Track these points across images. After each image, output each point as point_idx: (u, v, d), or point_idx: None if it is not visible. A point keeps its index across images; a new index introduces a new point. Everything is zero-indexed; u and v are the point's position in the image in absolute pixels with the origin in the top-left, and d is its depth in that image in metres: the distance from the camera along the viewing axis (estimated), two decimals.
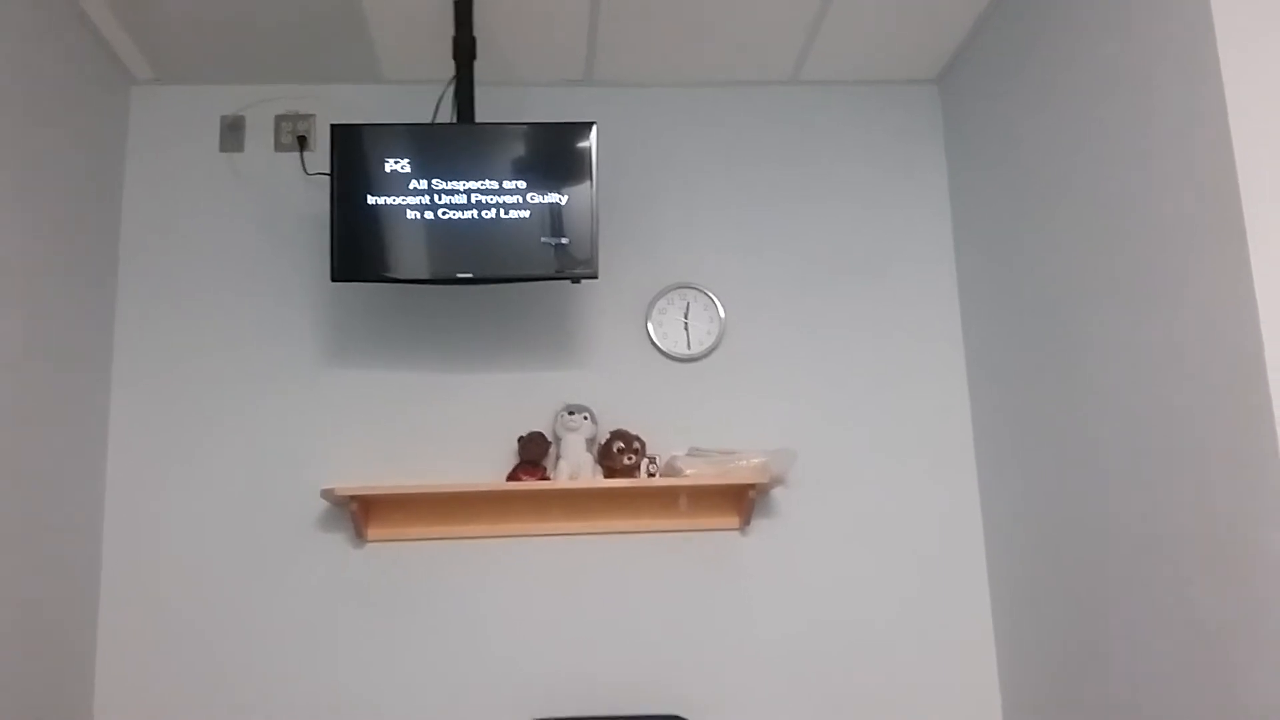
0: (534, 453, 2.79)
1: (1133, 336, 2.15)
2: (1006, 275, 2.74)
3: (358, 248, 2.59)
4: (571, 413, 2.80)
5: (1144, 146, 2.09)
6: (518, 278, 2.63)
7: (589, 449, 2.79)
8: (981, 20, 2.81)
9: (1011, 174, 2.70)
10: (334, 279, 2.58)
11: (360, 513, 2.74)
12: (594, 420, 2.81)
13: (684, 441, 2.86)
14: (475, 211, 2.59)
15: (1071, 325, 2.40)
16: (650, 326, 2.96)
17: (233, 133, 3.00)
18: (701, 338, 2.96)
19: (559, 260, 2.61)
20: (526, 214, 2.60)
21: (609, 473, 2.78)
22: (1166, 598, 2.05)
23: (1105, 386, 2.26)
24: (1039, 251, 2.56)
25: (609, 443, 2.79)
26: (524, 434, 2.82)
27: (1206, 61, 1.88)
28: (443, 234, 2.59)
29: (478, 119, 2.73)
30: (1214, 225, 1.87)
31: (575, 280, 2.65)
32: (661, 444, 2.86)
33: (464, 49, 2.70)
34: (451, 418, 2.88)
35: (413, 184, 2.59)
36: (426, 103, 2.85)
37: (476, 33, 2.73)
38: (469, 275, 2.59)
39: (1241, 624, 1.83)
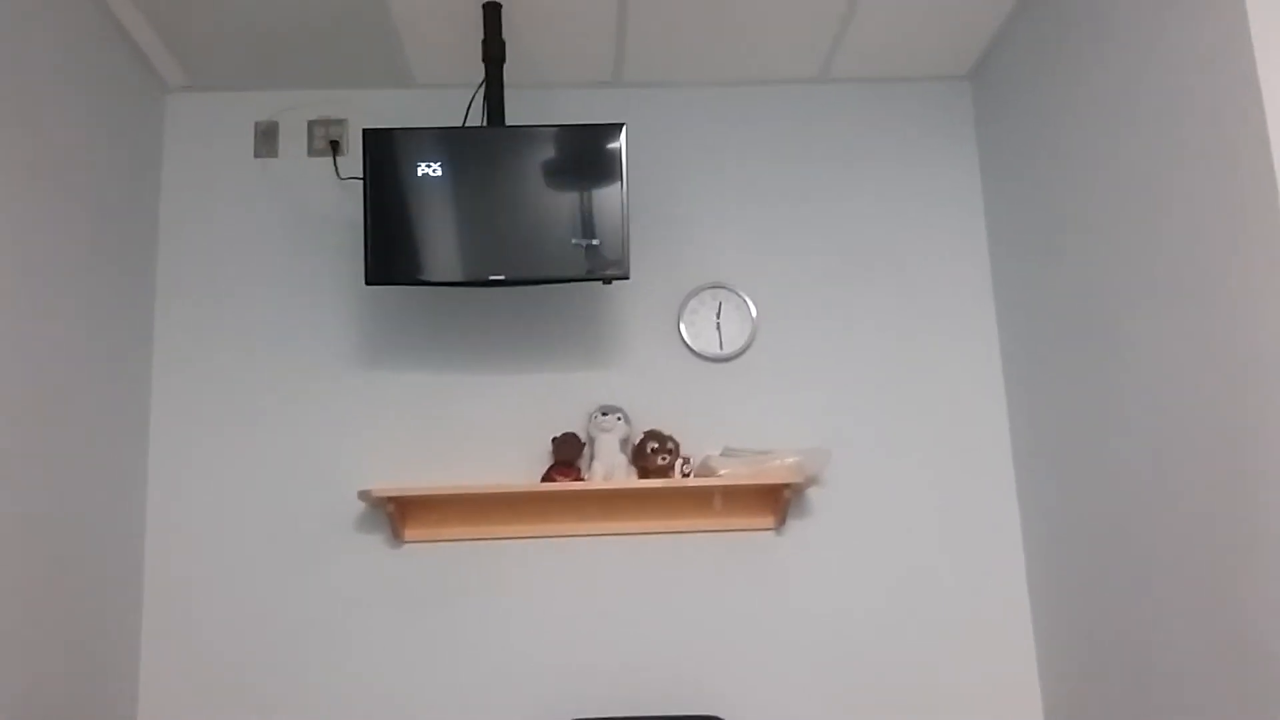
0: (568, 453, 2.80)
1: (1170, 333, 2.12)
2: (1041, 272, 2.72)
3: (391, 251, 2.60)
4: (605, 413, 2.80)
5: (1180, 140, 2.07)
6: (549, 279, 2.63)
7: (623, 449, 2.80)
8: (1013, 14, 2.79)
9: (1045, 170, 2.68)
10: (368, 282, 2.60)
11: (397, 514, 2.76)
12: (627, 421, 2.82)
13: (718, 441, 2.86)
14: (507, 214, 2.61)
15: (1108, 322, 2.38)
16: (682, 326, 2.96)
17: (266, 138, 3.03)
18: (734, 337, 2.96)
19: (590, 261, 2.61)
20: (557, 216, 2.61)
21: (643, 473, 2.78)
22: (1207, 596, 2.03)
23: (1142, 383, 2.24)
24: (1074, 248, 2.54)
25: (643, 443, 2.79)
26: (558, 435, 2.83)
27: (1242, 53, 1.86)
28: (475, 237, 2.60)
29: (508, 122, 2.74)
30: (1253, 221, 1.85)
31: (607, 281, 2.65)
32: (695, 444, 2.86)
33: (493, 53, 2.71)
34: (485, 419, 2.90)
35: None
36: (457, 106, 2.86)
37: (505, 36, 2.74)
38: (501, 277, 2.60)
39: None
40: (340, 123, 3.03)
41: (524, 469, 2.86)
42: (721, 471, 2.72)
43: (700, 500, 2.85)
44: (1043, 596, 2.77)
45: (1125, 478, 2.33)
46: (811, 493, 2.88)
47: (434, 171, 2.61)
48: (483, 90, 2.73)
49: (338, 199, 2.99)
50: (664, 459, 2.77)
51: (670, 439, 2.80)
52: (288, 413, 2.89)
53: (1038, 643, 2.81)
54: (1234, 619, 1.95)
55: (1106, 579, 2.43)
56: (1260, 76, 1.82)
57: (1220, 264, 1.96)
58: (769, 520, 2.86)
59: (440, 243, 2.61)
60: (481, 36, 2.72)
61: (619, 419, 2.80)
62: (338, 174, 3.00)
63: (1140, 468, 2.27)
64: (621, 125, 2.65)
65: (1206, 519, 2.03)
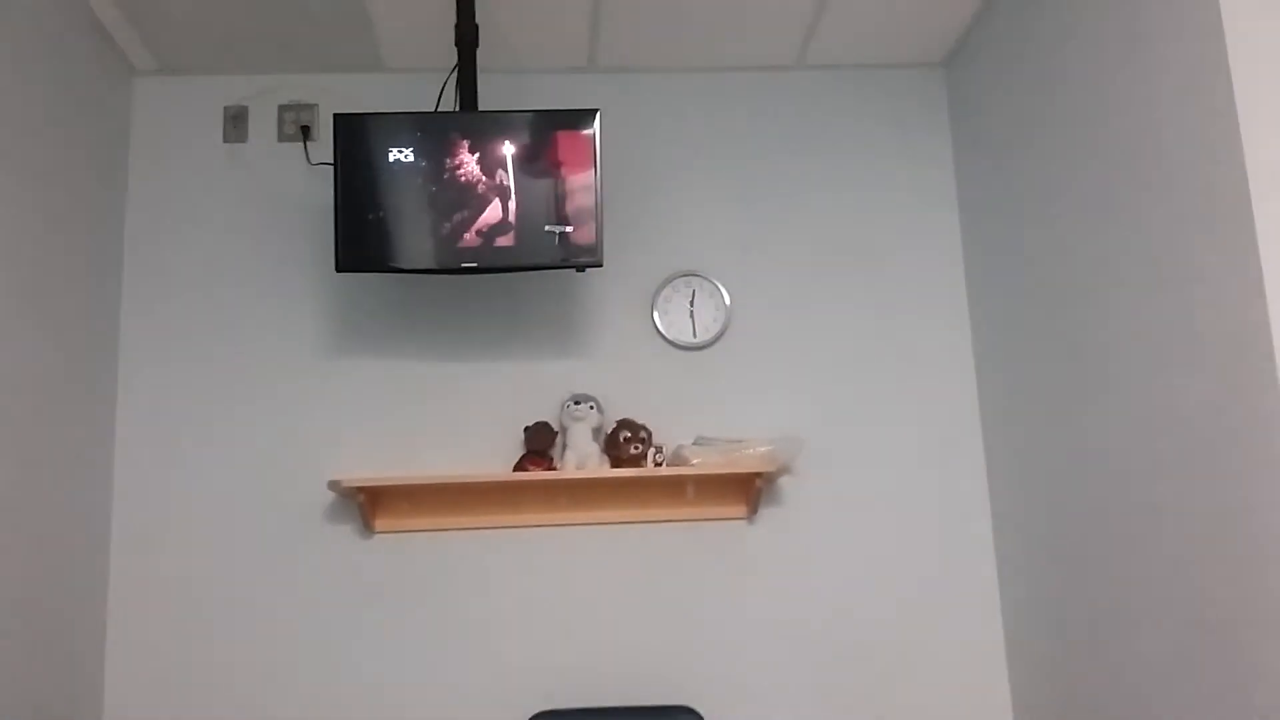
0: (540, 443, 2.79)
1: (1141, 325, 2.13)
2: (1013, 262, 2.72)
3: (362, 238, 2.58)
4: (578, 402, 2.79)
5: (1153, 131, 2.07)
6: (522, 267, 2.61)
7: (595, 439, 2.79)
8: (988, 2, 2.78)
9: (1019, 159, 2.68)
10: (338, 269, 2.57)
11: (368, 504, 2.74)
12: (600, 410, 2.80)
13: (690, 430, 2.85)
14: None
15: (1079, 314, 2.39)
16: (656, 315, 2.95)
17: (236, 123, 2.99)
18: (707, 325, 2.95)
19: (563, 249, 2.59)
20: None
21: (615, 462, 2.77)
22: (1177, 589, 2.04)
23: (1113, 375, 2.25)
24: (1046, 238, 2.54)
25: (615, 432, 2.78)
26: (530, 424, 2.81)
27: (1214, 44, 1.86)
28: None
29: (481, 107, 2.72)
30: (1223, 212, 1.86)
31: (580, 269, 2.64)
32: (668, 433, 2.85)
33: (466, 37, 2.68)
34: (457, 408, 2.88)
35: None
36: (429, 91, 2.83)
37: (478, 20, 2.71)
38: (473, 264, 2.58)
39: (1253, 617, 1.82)
40: (311, 107, 2.99)
41: (496, 458, 2.84)
42: (694, 461, 2.71)
43: (673, 490, 2.85)
44: (1012, 585, 2.78)
45: (1096, 466, 2.34)
46: (784, 482, 2.88)
47: (406, 157, 2.58)
48: (455, 75, 2.70)
49: (308, 185, 2.96)
50: (636, 448, 2.76)
51: (643, 428, 2.79)
52: (257, 402, 2.86)
53: (1006, 631, 2.82)
54: (1206, 614, 1.96)
55: (1075, 565, 2.44)
56: (1232, 66, 1.82)
57: (1192, 254, 1.96)
58: (741, 509, 2.85)
59: (412, 229, 2.58)
60: (454, 20, 2.70)
61: (591, 408, 2.79)
62: (308, 159, 2.96)
63: (1112, 457, 2.27)
64: (595, 111, 2.63)
65: (1179, 509, 2.04)
